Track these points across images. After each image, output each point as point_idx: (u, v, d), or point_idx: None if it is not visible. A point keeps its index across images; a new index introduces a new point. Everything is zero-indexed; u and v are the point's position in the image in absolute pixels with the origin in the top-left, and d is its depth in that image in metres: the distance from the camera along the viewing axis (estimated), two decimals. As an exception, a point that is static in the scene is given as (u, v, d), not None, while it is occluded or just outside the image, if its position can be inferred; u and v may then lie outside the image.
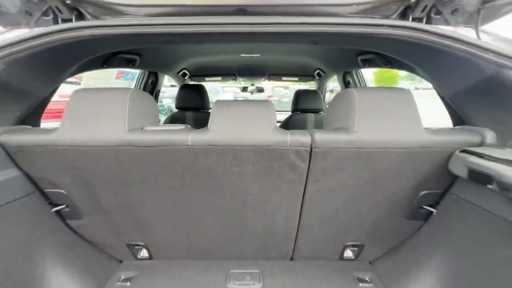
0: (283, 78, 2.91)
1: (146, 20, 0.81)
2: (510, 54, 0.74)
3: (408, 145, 0.86)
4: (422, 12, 0.82)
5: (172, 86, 6.29)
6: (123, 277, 1.18)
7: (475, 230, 0.86)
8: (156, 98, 2.53)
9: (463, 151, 0.83)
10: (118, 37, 0.89)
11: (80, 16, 0.84)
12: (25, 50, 0.78)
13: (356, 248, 1.25)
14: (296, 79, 2.89)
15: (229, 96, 6.31)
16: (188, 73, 2.61)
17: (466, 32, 0.80)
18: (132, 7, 0.82)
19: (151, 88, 2.39)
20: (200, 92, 2.17)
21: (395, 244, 1.21)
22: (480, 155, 0.77)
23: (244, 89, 3.71)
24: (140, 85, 2.32)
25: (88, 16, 0.84)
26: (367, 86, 2.41)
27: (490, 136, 0.85)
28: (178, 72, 2.53)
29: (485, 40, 0.80)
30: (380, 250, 1.25)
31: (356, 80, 2.29)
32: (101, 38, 0.83)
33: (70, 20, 0.83)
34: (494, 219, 0.78)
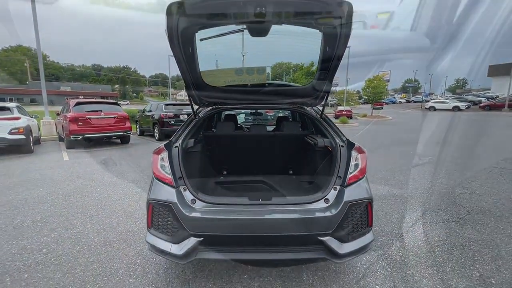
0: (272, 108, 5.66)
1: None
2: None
3: (297, 134, 3.50)
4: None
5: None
6: (221, 179, 3.77)
7: (316, 154, 3.39)
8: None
9: (306, 135, 3.44)
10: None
11: (215, 104, 3.46)
12: (209, 114, 3.39)
13: (292, 169, 3.85)
14: (280, 109, 5.60)
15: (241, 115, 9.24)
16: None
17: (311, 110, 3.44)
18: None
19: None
20: (234, 117, 4.91)
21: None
22: (309, 137, 3.36)
23: (251, 113, 6.70)
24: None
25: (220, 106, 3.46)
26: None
27: (315, 132, 3.48)
28: None
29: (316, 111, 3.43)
30: (302, 170, 3.83)
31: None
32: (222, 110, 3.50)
33: (214, 105, 3.44)
34: (315, 149, 3.33)
